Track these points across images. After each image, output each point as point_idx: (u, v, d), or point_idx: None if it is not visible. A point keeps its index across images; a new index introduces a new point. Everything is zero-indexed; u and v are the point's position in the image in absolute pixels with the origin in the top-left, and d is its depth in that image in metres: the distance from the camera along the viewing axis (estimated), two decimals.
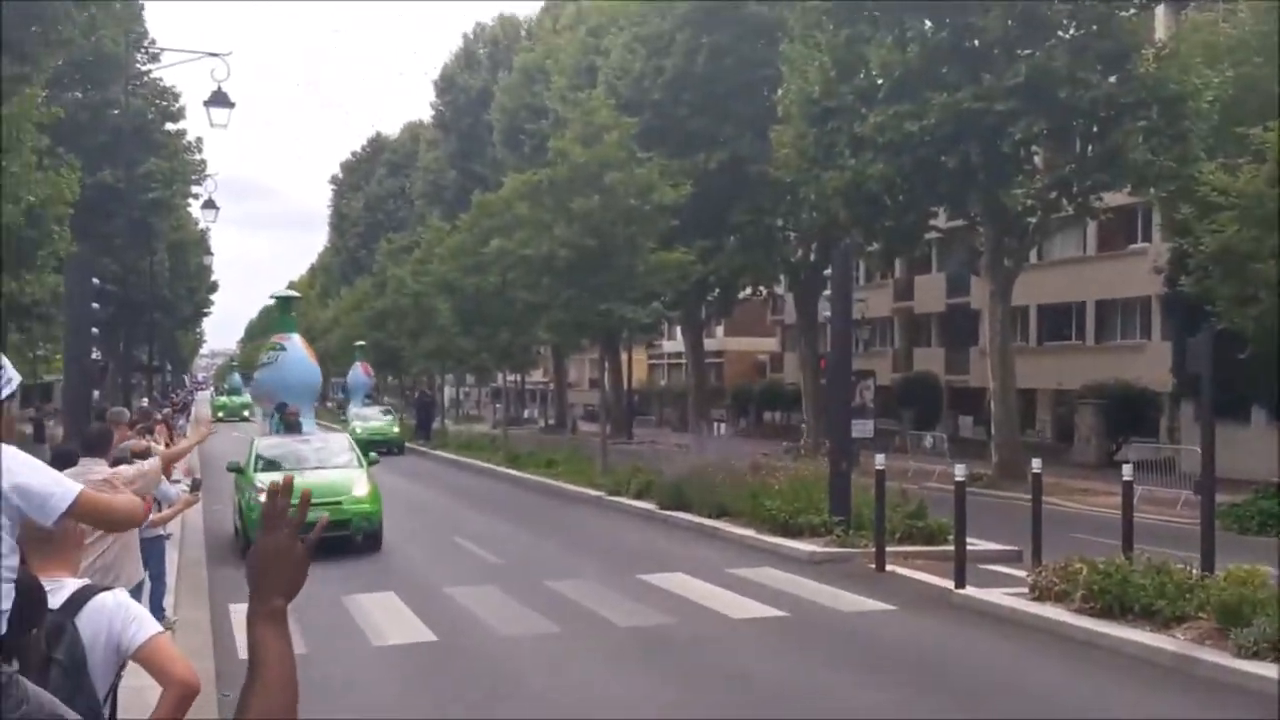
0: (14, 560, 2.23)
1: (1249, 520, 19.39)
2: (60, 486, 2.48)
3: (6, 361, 2.49)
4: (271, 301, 32.19)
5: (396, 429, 38.74)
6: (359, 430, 34.93)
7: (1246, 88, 25.04)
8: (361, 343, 49.72)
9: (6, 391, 2.50)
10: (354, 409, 42.11)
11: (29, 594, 2.25)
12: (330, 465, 17.17)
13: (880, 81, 27.61)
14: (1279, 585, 9.80)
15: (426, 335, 42.33)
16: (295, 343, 26.86)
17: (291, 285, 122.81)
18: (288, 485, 1.97)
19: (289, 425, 21.49)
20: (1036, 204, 28.21)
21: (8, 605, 2.18)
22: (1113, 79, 25.03)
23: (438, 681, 9.47)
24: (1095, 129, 26.33)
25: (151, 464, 8.34)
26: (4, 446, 2.42)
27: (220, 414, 66.36)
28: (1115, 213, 32.76)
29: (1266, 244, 19.64)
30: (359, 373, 49.95)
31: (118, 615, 3.32)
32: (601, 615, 11.81)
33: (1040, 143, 27.32)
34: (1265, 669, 8.76)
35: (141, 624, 3.39)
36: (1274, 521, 19.17)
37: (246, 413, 67.87)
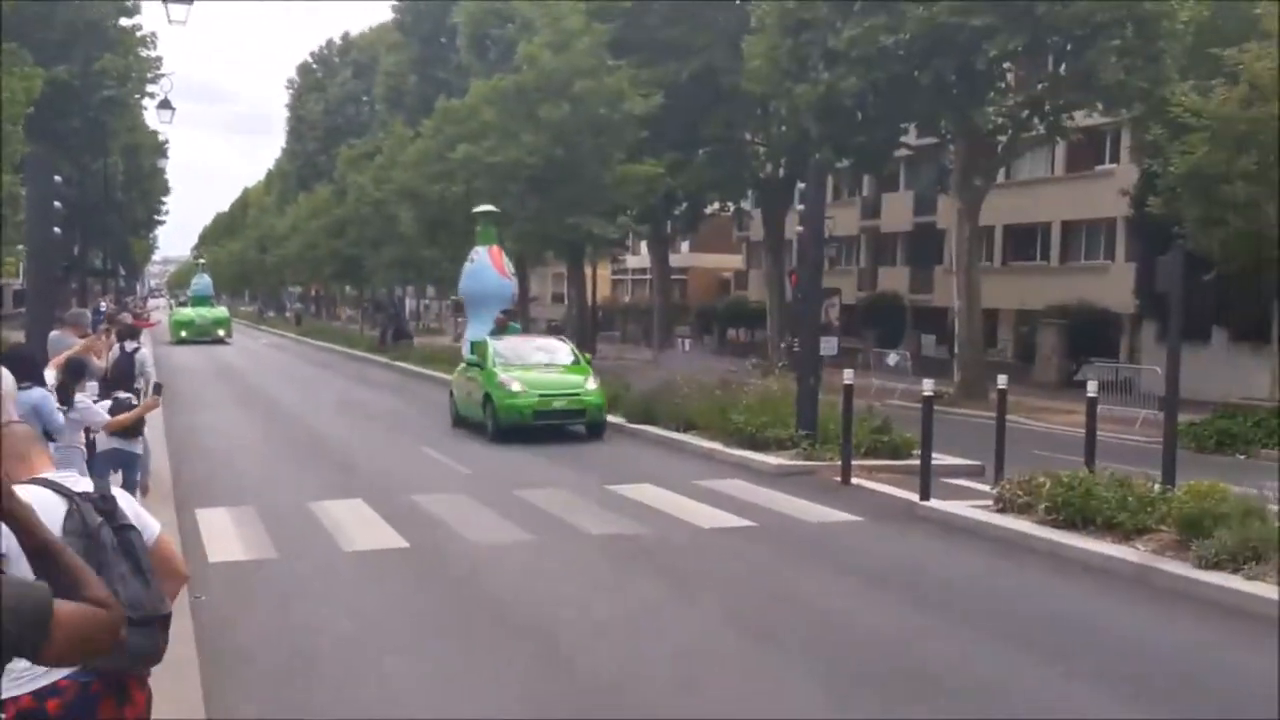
0: None
1: (1207, 439, 19.72)
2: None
3: None
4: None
5: (593, 386, 19.02)
6: (517, 394, 18.39)
7: (1221, 9, 24.95)
8: (488, 208, 27.84)
9: None
10: (490, 342, 20.45)
11: None
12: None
13: None
14: None
15: (388, 245, 41.95)
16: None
17: (247, 191, 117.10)
18: None
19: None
20: (1008, 122, 28.14)
21: None
22: None
23: (410, 586, 9.50)
24: (1070, 47, 26.23)
25: (97, 414, 9.36)
26: None
27: (182, 333, 50.41)
28: (1084, 134, 32.77)
29: (1236, 166, 19.74)
30: (486, 268, 27.07)
31: (135, 509, 3.63)
32: (572, 524, 11.87)
33: (1014, 60, 27.17)
34: (1224, 579, 8.96)
35: (150, 520, 3.70)
36: (1231, 440, 19.54)
37: (221, 332, 52.13)
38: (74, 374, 9.38)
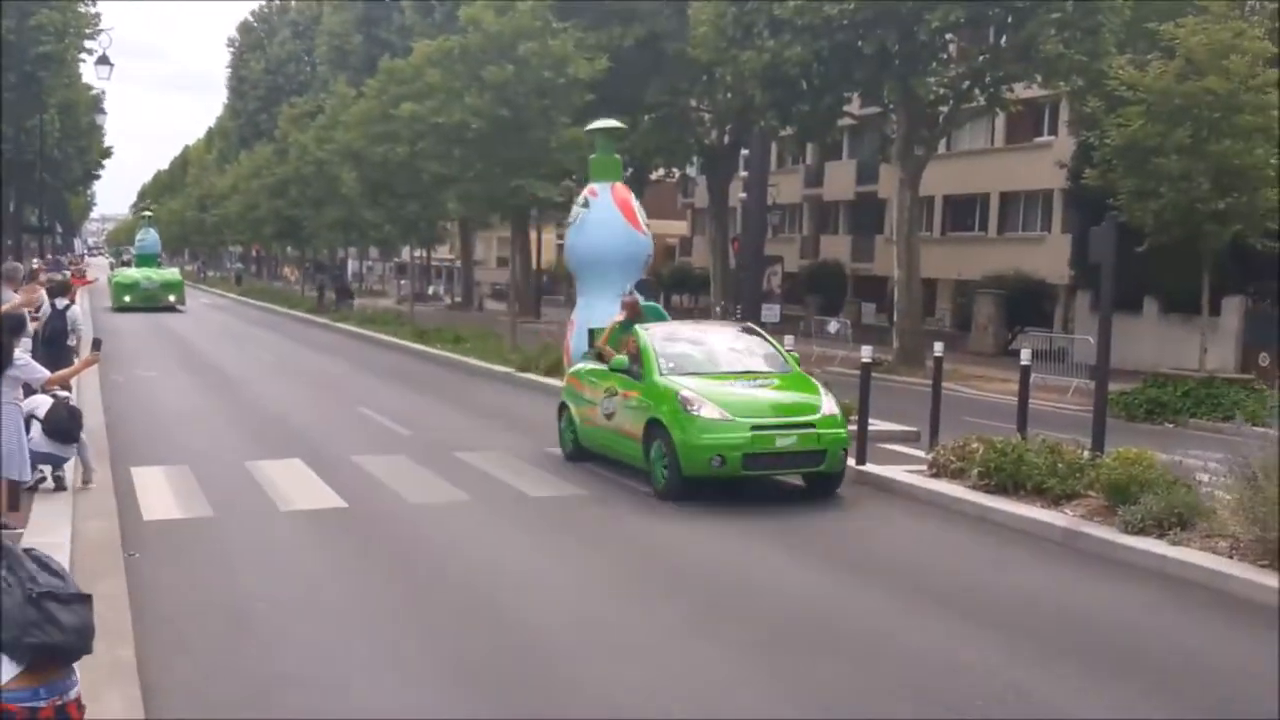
0: None
1: (1137, 408, 20.15)
2: None
3: None
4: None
5: (831, 409, 11.77)
6: (714, 425, 11.20)
7: None
8: (610, 123, 20.76)
9: None
10: (643, 334, 12.74)
11: None
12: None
13: None
14: None
15: (330, 205, 41.40)
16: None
17: (187, 149, 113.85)
18: None
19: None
20: (949, 93, 28.33)
21: None
22: None
23: (347, 546, 9.49)
24: (1010, 19, 26.42)
25: (36, 370, 9.21)
26: None
27: (126, 298, 43.38)
28: (1023, 105, 33.11)
29: (1171, 139, 20.06)
30: (610, 215, 19.02)
31: None
32: (512, 485, 11.91)
33: (956, 31, 27.34)
34: (1149, 544, 9.20)
35: None
36: (1161, 410, 19.98)
37: (172, 297, 44.79)
38: (13, 329, 9.25)
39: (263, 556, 9.06)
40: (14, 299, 11.14)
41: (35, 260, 28.61)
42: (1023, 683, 6.45)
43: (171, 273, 48.87)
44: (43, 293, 13.10)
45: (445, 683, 6.37)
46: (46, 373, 9.42)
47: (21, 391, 9.45)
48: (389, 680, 6.34)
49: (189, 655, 6.71)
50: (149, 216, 61.02)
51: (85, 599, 3.78)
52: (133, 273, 46.85)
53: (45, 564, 3.71)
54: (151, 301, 43.28)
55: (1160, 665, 6.92)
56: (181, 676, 6.36)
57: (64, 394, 11.13)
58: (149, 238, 52.93)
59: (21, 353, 9.34)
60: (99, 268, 78.52)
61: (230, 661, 6.63)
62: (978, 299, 35.92)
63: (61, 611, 3.60)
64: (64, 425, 10.19)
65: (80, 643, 3.69)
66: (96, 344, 10.92)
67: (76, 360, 12.43)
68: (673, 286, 54.32)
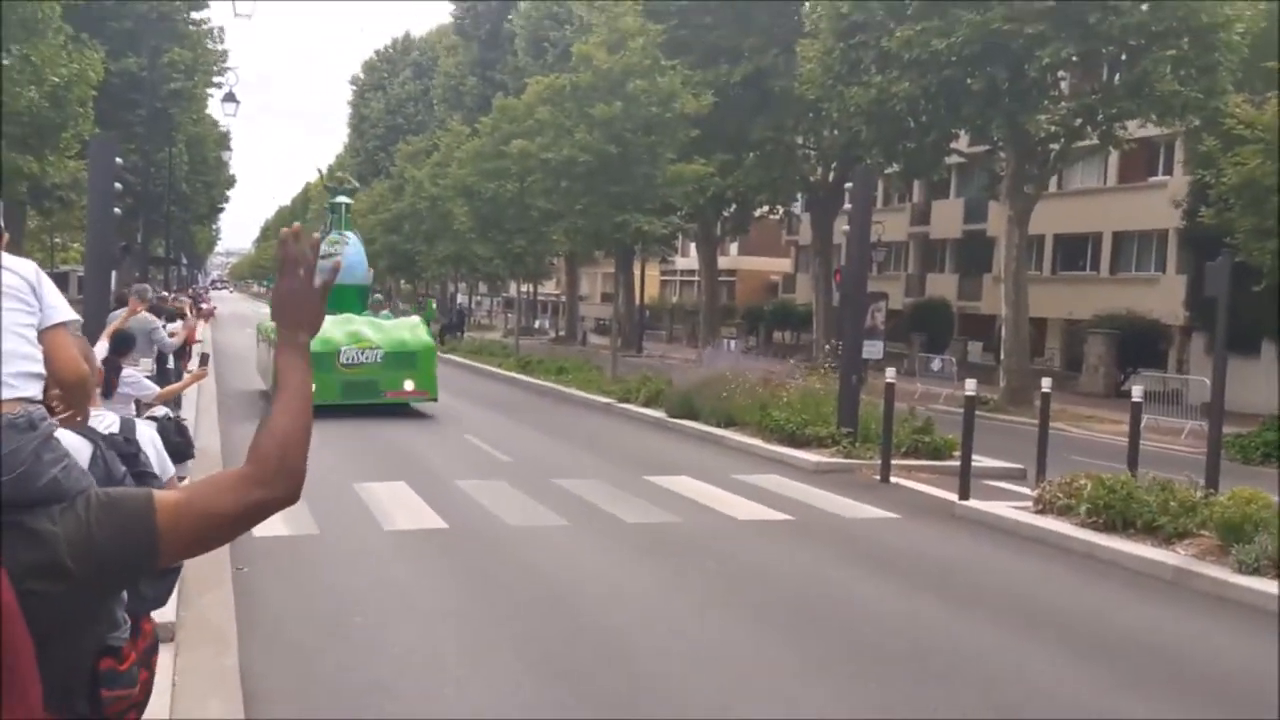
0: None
1: (1253, 451, 19.50)
2: (51, 308, 2.50)
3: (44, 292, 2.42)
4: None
5: None
6: None
7: (1277, 21, 24.64)
8: None
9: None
10: None
11: None
12: None
13: None
14: None
15: (443, 240, 42.33)
16: None
17: (308, 185, 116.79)
18: (296, 232, 2.14)
19: None
20: (1060, 130, 27.90)
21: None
22: (1144, 6, 24.59)
23: (448, 565, 9.67)
24: (1124, 56, 25.98)
25: (146, 386, 9.28)
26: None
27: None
28: (1137, 144, 32.46)
29: None
30: None
31: (157, 448, 3.65)
32: (609, 512, 12.00)
33: (1067, 68, 26.97)
34: (1264, 584, 8.92)
35: (168, 463, 3.74)
36: (1277, 453, 19.32)
37: (410, 384, 20.27)
38: (120, 347, 9.63)
39: (365, 573, 9.27)
40: (179, 329, 11.58)
41: (185, 295, 29.67)
42: None
43: (410, 327, 21.54)
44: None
45: (537, 696, 6.46)
46: (156, 388, 9.74)
47: (134, 408, 9.84)
48: (481, 692, 6.45)
49: (290, 664, 6.89)
50: (344, 204, 24.48)
51: (175, 570, 3.77)
52: (336, 331, 19.90)
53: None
54: (367, 394, 20.03)
55: (1272, 707, 6.70)
56: (282, 685, 6.53)
57: (163, 411, 11.50)
58: (355, 255, 23.00)
59: (130, 369, 9.70)
60: (223, 300, 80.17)
61: (330, 671, 6.79)
62: (1089, 339, 35.15)
63: (147, 585, 3.58)
64: (175, 445, 10.47)
65: (148, 608, 3.66)
66: (204, 359, 11.35)
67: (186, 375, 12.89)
68: (775, 323, 54.21)
